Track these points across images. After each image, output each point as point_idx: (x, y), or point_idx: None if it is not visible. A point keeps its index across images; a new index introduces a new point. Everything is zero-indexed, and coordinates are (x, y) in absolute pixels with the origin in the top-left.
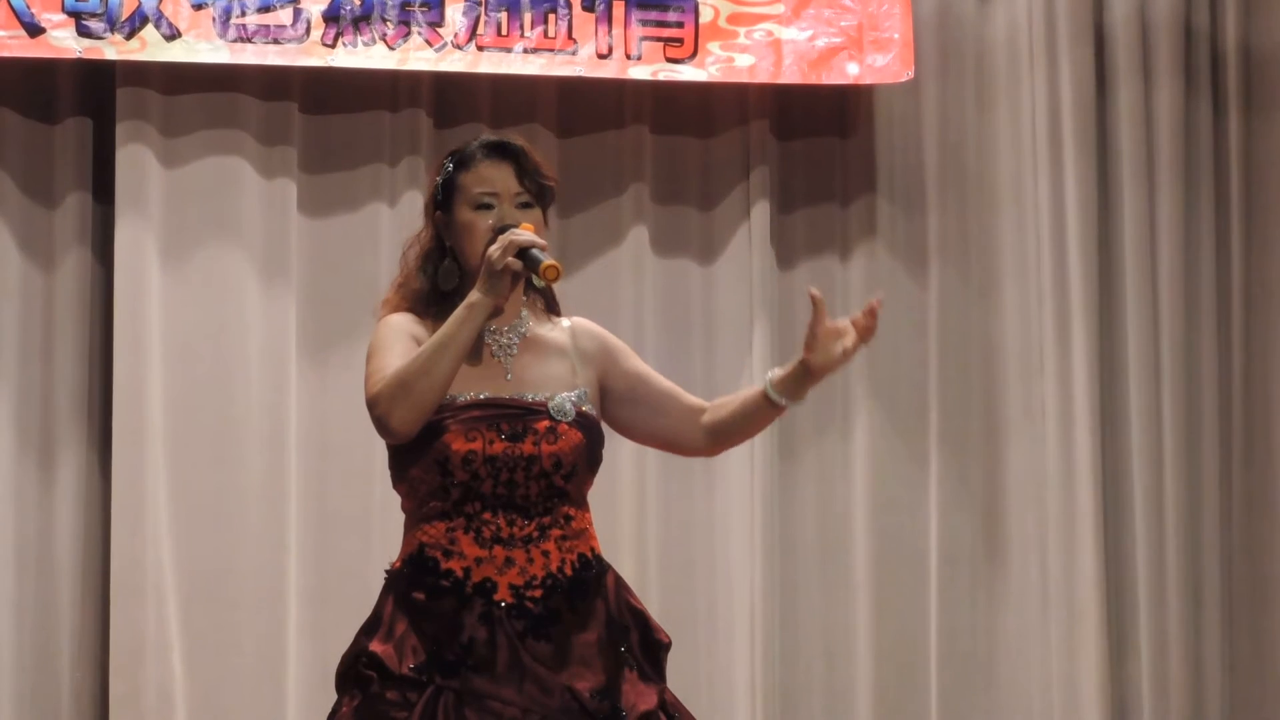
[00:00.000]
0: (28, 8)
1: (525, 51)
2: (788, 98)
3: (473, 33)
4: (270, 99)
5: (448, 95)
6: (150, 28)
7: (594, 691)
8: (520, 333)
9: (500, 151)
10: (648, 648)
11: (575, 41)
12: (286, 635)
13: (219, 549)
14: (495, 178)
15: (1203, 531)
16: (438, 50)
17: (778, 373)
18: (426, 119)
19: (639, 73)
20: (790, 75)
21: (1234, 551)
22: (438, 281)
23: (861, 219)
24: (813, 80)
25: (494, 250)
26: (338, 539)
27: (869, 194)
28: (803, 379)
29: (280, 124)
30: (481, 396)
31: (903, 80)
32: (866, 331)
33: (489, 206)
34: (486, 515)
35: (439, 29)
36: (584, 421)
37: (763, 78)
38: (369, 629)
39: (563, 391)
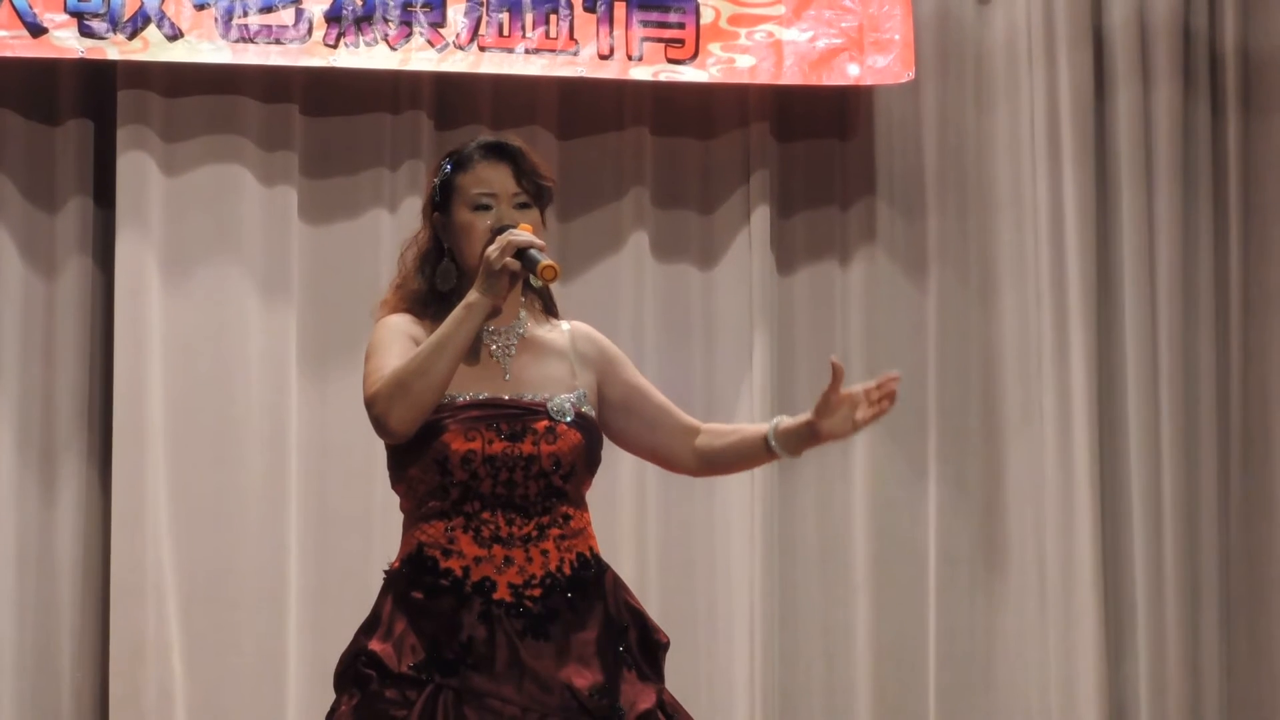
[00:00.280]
0: (30, 8)
1: (527, 52)
2: (788, 99)
3: (474, 33)
4: (271, 101)
5: (448, 97)
6: (152, 28)
7: (593, 689)
8: (519, 333)
9: (498, 152)
10: (646, 647)
11: (576, 42)
12: (286, 635)
13: (219, 549)
14: (493, 178)
15: (1200, 533)
16: (439, 51)
17: (785, 423)
18: (427, 120)
19: (640, 73)
20: (791, 76)
21: (1232, 553)
22: (435, 282)
23: (861, 222)
24: (813, 81)
25: (492, 250)
26: (338, 539)
27: (869, 197)
28: (807, 439)
29: (281, 127)
30: (480, 396)
31: (903, 81)
32: (880, 409)
33: (487, 207)
34: (485, 515)
35: (441, 29)
36: (583, 422)
37: (763, 79)
38: (368, 628)
39: (561, 392)
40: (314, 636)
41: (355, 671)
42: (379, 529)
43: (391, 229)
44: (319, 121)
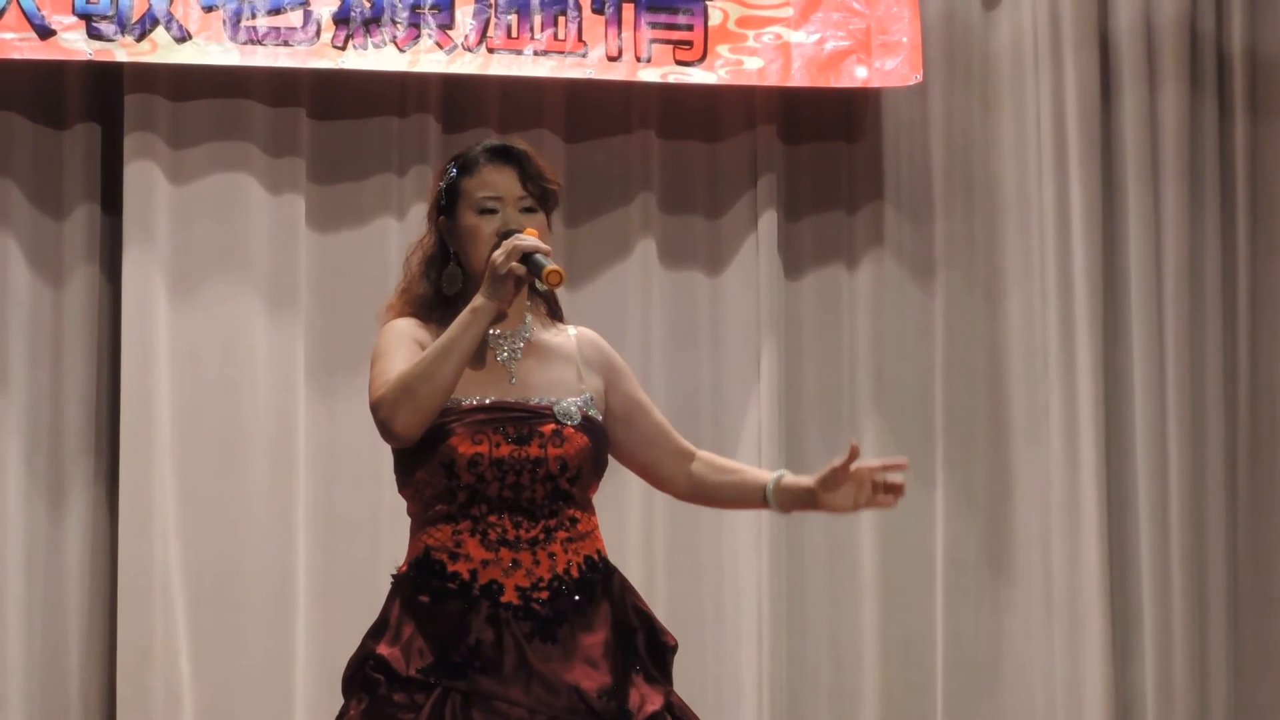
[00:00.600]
0: (38, 10)
1: (535, 54)
2: (795, 102)
3: (483, 35)
4: (278, 105)
5: (456, 100)
6: (160, 30)
7: (601, 692)
8: (524, 337)
9: (504, 156)
10: (654, 650)
11: (585, 44)
12: (294, 639)
13: (226, 552)
14: (499, 182)
15: (1207, 536)
16: (448, 52)
17: (787, 479)
18: (435, 124)
19: (648, 75)
20: (799, 78)
21: (1239, 556)
22: (441, 286)
23: (868, 226)
24: (821, 83)
25: (498, 255)
26: (345, 543)
27: (876, 200)
28: (805, 503)
29: (288, 131)
30: (487, 400)
31: (911, 84)
32: (883, 503)
33: (493, 211)
34: (492, 518)
35: (449, 31)
36: (589, 425)
37: (771, 81)
38: (375, 632)
39: (568, 396)
40: (321, 639)
41: (363, 676)
42: (386, 533)
43: (399, 236)
44: (326, 125)
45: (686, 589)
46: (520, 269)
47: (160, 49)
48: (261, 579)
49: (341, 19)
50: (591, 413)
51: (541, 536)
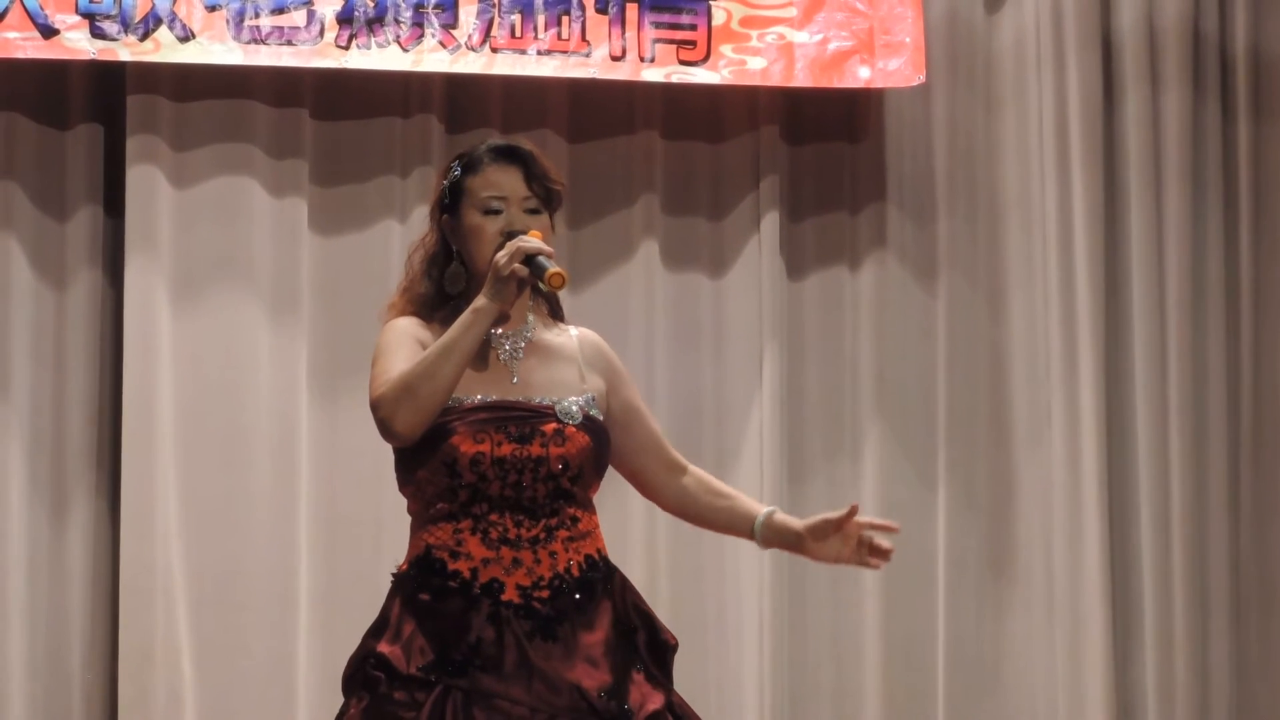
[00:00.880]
0: (41, 9)
1: (539, 53)
2: (798, 102)
3: (486, 34)
4: (281, 105)
5: (459, 100)
6: (164, 29)
7: (601, 690)
8: (526, 337)
9: (509, 155)
10: (655, 649)
11: (589, 43)
12: (296, 639)
13: (228, 552)
14: (503, 182)
15: (1209, 536)
16: (452, 52)
17: (778, 518)
18: (438, 124)
19: (652, 75)
20: (802, 79)
21: (1241, 557)
22: (444, 285)
23: (871, 227)
24: (824, 84)
25: (501, 256)
26: (347, 542)
27: (879, 201)
28: (789, 545)
29: (291, 132)
30: (489, 399)
31: (914, 84)
32: (871, 563)
33: (497, 211)
34: (494, 516)
35: (453, 31)
36: (591, 425)
37: (775, 81)
38: (376, 631)
39: (570, 395)
40: (323, 640)
41: (364, 674)
42: (388, 534)
43: (401, 239)
44: (329, 126)
45: (689, 590)
46: (523, 271)
47: (163, 48)
48: (263, 579)
49: (345, 18)
50: (593, 412)
51: (542, 535)
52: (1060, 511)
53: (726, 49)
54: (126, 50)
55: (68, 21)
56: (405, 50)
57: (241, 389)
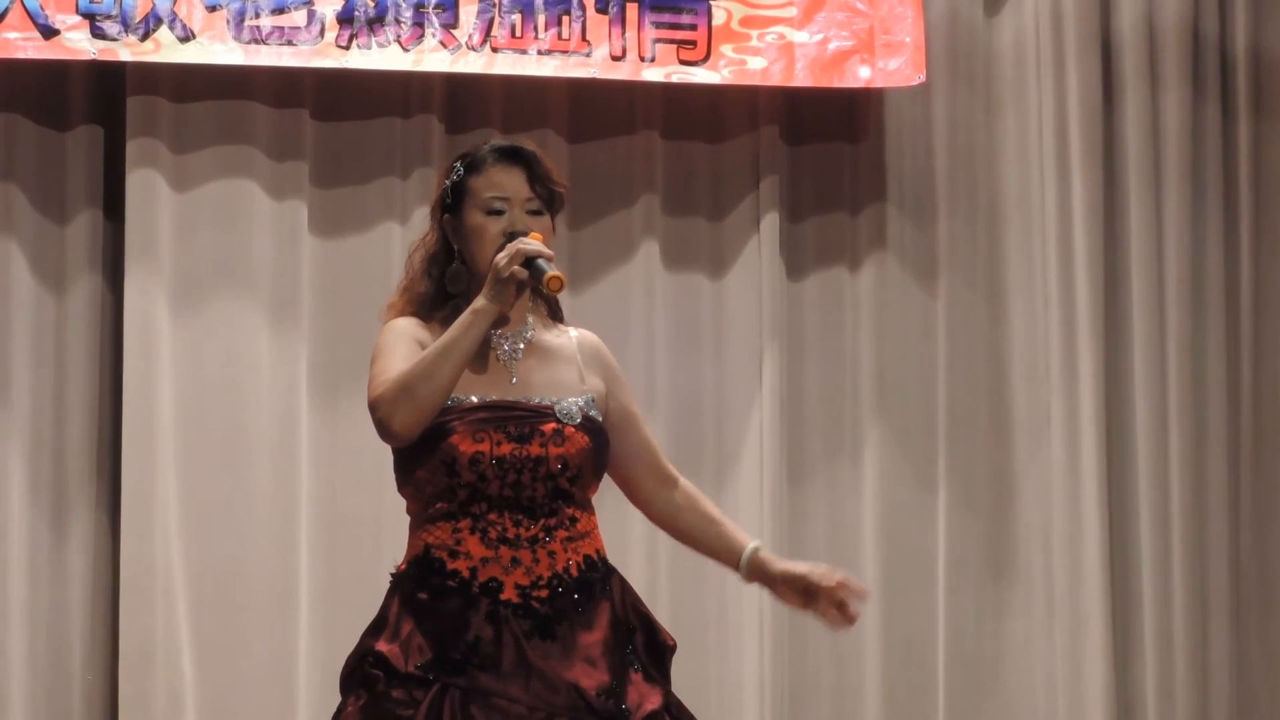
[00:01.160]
0: (42, 9)
1: (539, 53)
2: (798, 102)
3: (487, 34)
4: (282, 106)
5: (460, 100)
6: (164, 29)
7: (599, 690)
8: (525, 337)
9: (512, 156)
10: (653, 650)
11: (589, 43)
12: (296, 639)
13: (229, 552)
14: (506, 182)
15: (1209, 537)
16: (452, 52)
17: (761, 556)
18: (438, 125)
19: (652, 75)
20: (802, 78)
21: (1241, 557)
22: (445, 285)
23: (871, 228)
24: (824, 84)
25: (501, 258)
26: (347, 542)
27: (879, 202)
28: (765, 582)
29: (291, 132)
30: (488, 399)
31: (914, 84)
32: (837, 620)
33: (499, 211)
34: (493, 516)
35: (453, 30)
36: (590, 425)
37: (775, 80)
38: (374, 630)
39: (569, 396)
40: (324, 640)
41: (362, 672)
42: (388, 534)
43: (402, 240)
44: (329, 127)
45: (689, 590)
46: (522, 273)
47: (164, 48)
48: (264, 579)
49: (345, 18)
50: (592, 413)
51: (541, 535)
52: (1060, 511)
53: (727, 49)
54: (127, 50)
55: (68, 22)
56: (406, 50)
57: (242, 390)
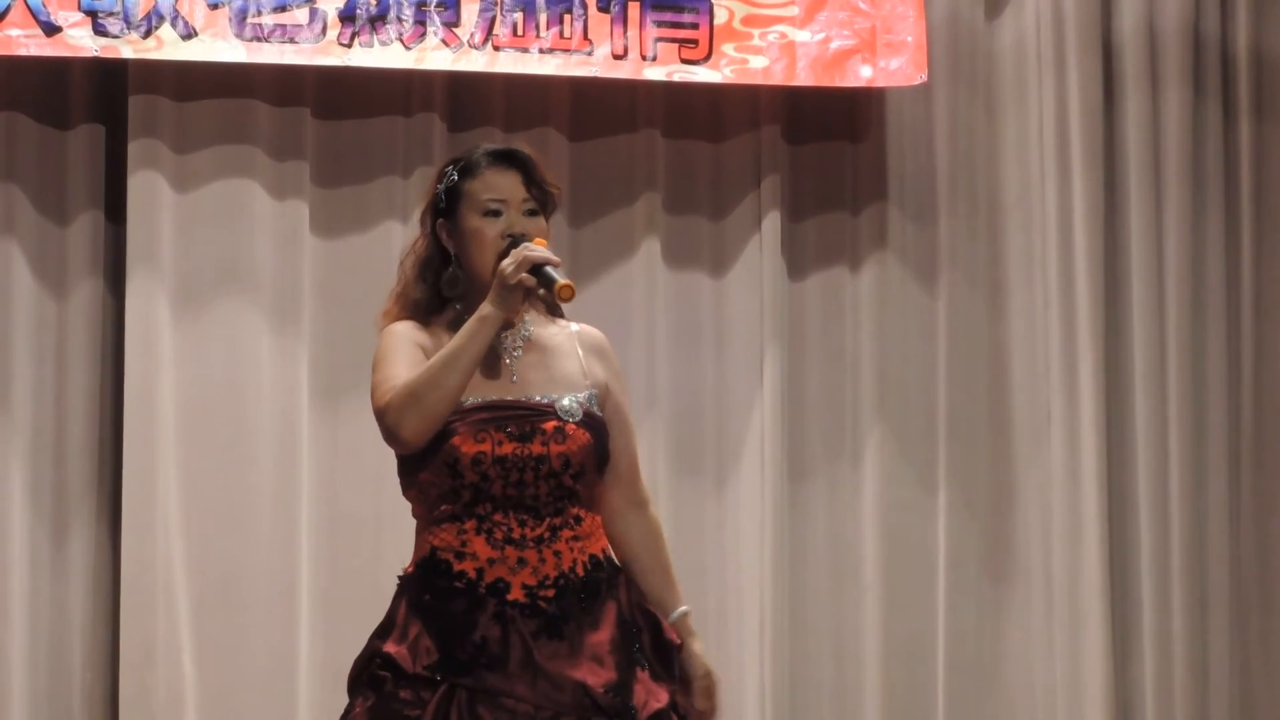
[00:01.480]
0: (44, 7)
1: (541, 52)
2: (799, 101)
3: (489, 33)
4: (283, 104)
5: (461, 99)
6: (166, 27)
7: (607, 688)
8: (524, 335)
9: (507, 159)
10: (659, 648)
11: (591, 42)
12: (297, 637)
13: (230, 551)
14: (502, 185)
15: (1209, 536)
16: (454, 50)
17: (684, 625)
18: (440, 123)
19: (654, 74)
20: (804, 78)
21: (1241, 557)
22: (440, 289)
23: (872, 227)
24: (826, 83)
25: (507, 265)
26: (348, 541)
27: (880, 201)
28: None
29: (293, 131)
30: (488, 399)
31: (916, 83)
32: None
33: (497, 213)
34: (497, 516)
35: (455, 29)
36: (591, 422)
37: (777, 80)
38: (382, 632)
39: (570, 392)
40: (324, 639)
41: (370, 674)
42: (389, 532)
43: (403, 240)
44: (331, 125)
45: (689, 588)
46: (530, 280)
47: (166, 45)
48: (265, 578)
49: (347, 16)
50: (593, 409)
51: (547, 534)
52: (1060, 511)
53: (728, 48)
54: (129, 48)
55: (70, 19)
56: (408, 48)
57: (243, 389)
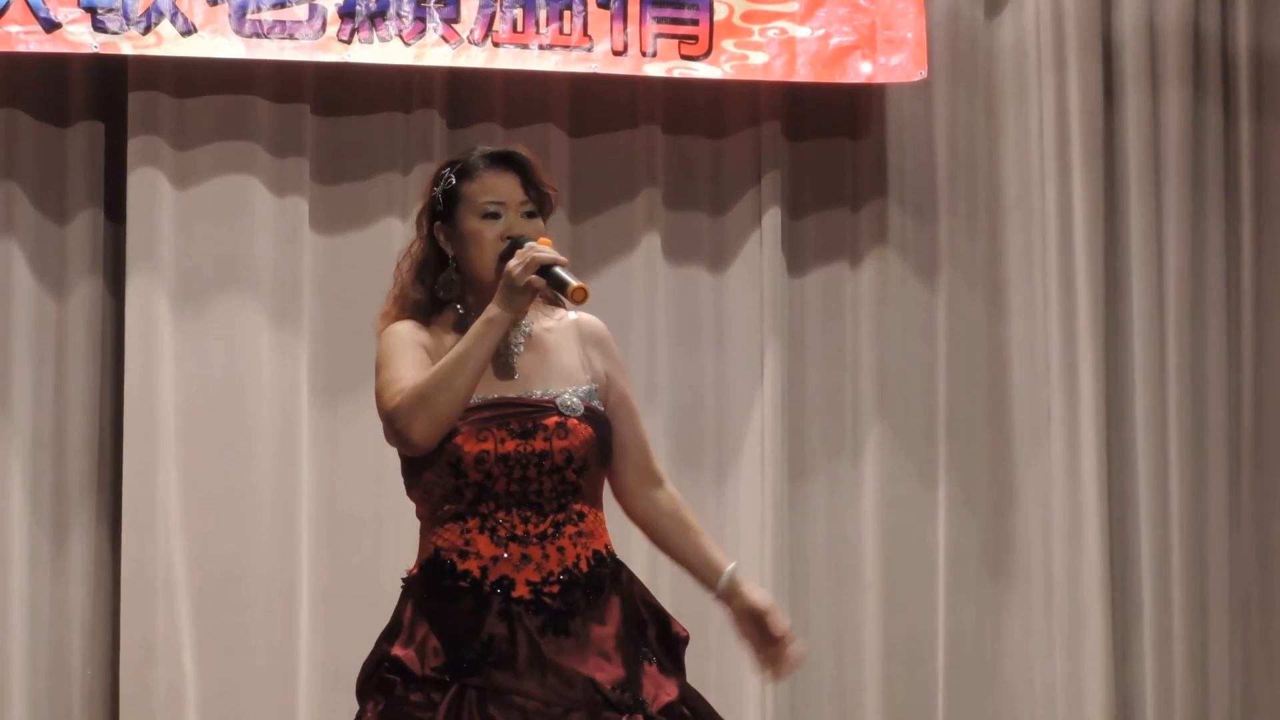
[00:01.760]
0: (43, 3)
1: (541, 48)
2: (799, 98)
3: (489, 29)
4: (283, 100)
5: (461, 95)
6: (166, 23)
7: (615, 684)
8: (525, 331)
9: (504, 161)
10: (666, 642)
11: (591, 38)
12: (297, 636)
13: (230, 549)
14: (501, 187)
15: (1209, 535)
16: (454, 46)
17: (738, 580)
18: (440, 119)
19: (654, 70)
20: (804, 74)
21: (1241, 556)
22: (437, 291)
23: (872, 223)
24: (826, 79)
25: (515, 266)
26: (348, 539)
27: (880, 198)
28: (732, 607)
29: (293, 127)
30: (490, 397)
31: (916, 80)
32: (773, 668)
33: (495, 216)
34: (501, 514)
35: (455, 25)
36: (593, 416)
37: (777, 76)
38: (389, 635)
39: (572, 385)
40: (325, 637)
41: (379, 678)
42: (389, 530)
43: (403, 237)
44: (331, 121)
45: (690, 588)
46: (539, 282)
47: (166, 42)
48: (265, 576)
49: (347, 12)
50: (594, 403)
51: (550, 531)
52: (1060, 509)
53: (728, 44)
54: (129, 44)
55: (70, 15)
56: (407, 44)
57: (243, 387)
